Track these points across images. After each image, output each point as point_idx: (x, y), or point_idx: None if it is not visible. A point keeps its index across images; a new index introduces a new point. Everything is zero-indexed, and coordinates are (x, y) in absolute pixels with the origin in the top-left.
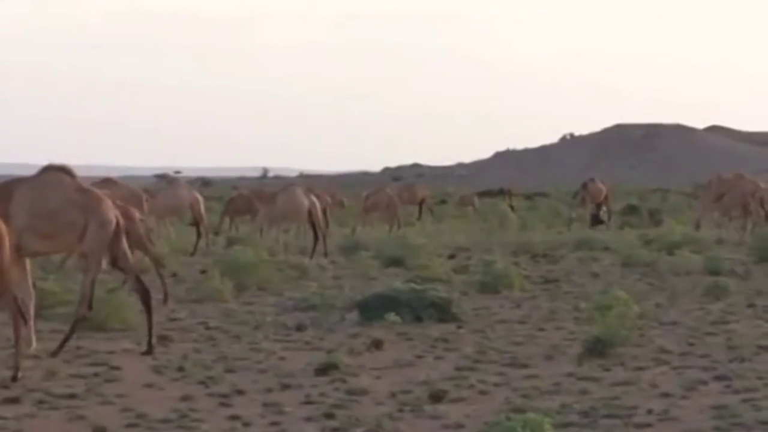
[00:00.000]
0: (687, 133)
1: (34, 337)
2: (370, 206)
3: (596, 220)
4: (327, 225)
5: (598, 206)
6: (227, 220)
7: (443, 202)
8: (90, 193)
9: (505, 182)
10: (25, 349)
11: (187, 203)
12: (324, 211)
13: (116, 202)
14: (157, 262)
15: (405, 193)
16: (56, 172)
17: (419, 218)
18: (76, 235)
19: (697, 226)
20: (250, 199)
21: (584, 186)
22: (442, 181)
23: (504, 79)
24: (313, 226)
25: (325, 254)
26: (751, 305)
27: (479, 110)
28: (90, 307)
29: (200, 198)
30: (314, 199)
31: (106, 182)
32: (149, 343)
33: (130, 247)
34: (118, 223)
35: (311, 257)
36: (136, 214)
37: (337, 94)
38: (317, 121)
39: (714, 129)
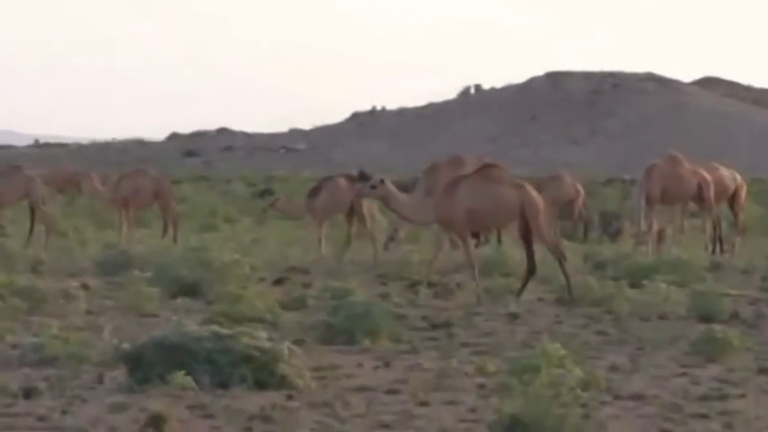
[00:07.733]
0: (665, 88)
1: None
2: (124, 196)
3: None
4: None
5: None
6: None
7: (266, 193)
8: None
9: (367, 161)
10: None
11: None
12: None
13: None
14: None
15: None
16: None
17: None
18: None
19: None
20: None
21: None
22: (266, 160)
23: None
24: (32, 214)
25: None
26: (763, 370)
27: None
28: None
29: None
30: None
31: None
32: None
33: None
34: None
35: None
36: None
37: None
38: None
39: (708, 82)
